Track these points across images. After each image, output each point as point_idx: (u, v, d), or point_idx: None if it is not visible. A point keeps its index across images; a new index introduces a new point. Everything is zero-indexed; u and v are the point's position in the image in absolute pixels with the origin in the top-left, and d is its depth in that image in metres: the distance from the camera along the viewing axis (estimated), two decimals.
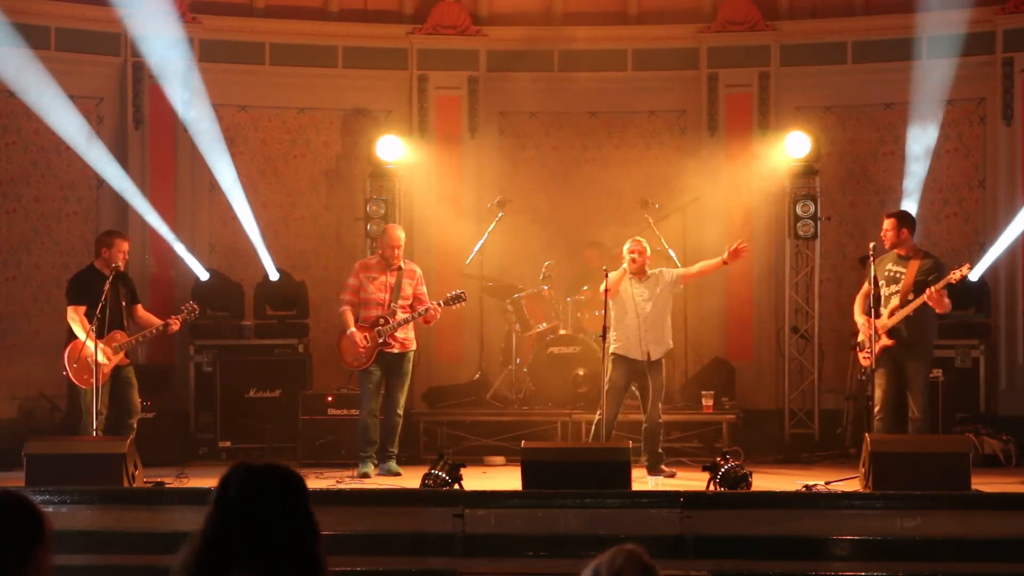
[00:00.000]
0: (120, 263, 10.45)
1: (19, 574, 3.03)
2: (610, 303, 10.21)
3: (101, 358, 10.11)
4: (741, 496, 8.99)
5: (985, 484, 9.51)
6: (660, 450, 10.52)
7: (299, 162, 13.99)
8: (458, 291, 10.99)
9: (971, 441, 10.27)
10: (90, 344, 10.05)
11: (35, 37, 12.54)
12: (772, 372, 13.31)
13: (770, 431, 12.62)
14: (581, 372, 12.10)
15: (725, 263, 10.45)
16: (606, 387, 10.34)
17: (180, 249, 12.87)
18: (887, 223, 10.30)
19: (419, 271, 11.04)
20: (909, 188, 12.62)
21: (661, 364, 10.48)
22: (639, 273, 10.36)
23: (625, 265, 10.36)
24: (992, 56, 13.14)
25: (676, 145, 13.96)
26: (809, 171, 12.67)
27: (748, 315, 13.62)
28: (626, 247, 10.47)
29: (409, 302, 10.83)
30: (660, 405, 10.50)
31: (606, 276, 10.19)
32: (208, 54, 13.42)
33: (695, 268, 10.74)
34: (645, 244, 10.53)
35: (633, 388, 10.47)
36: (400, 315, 10.76)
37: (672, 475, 10.51)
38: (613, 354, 10.36)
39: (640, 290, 10.33)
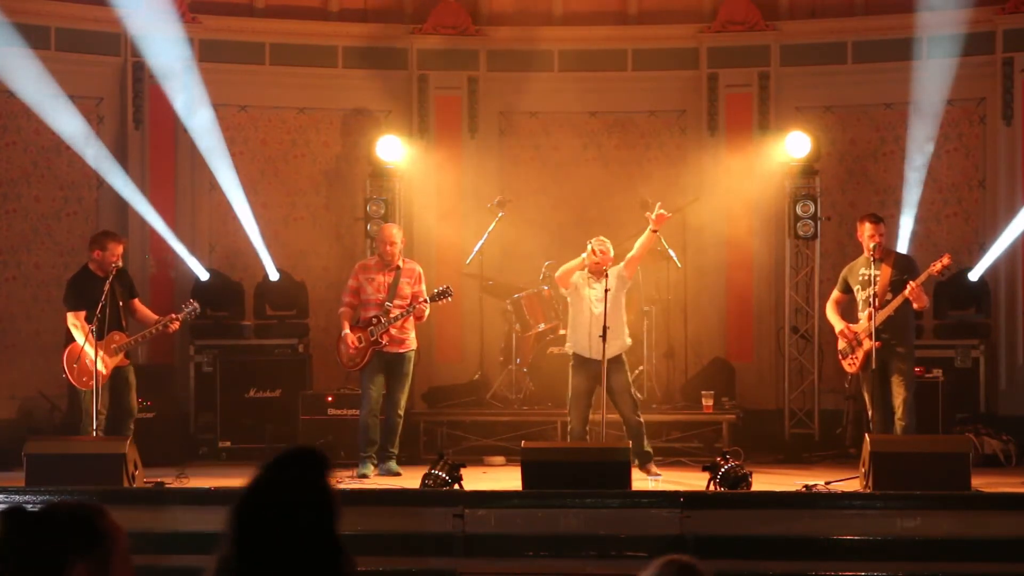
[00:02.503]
0: (115, 265, 10.35)
1: None
2: (568, 301, 10.39)
3: (100, 367, 10.04)
4: (741, 496, 8.99)
5: (985, 484, 9.52)
6: (648, 448, 10.47)
7: (299, 162, 13.98)
8: (443, 287, 10.96)
9: (971, 441, 10.27)
10: (89, 350, 10.01)
11: (35, 37, 12.53)
12: (772, 372, 13.30)
13: (770, 431, 12.62)
14: None
15: (655, 232, 10.34)
16: (569, 394, 10.36)
17: (180, 249, 12.86)
18: (879, 228, 10.20)
19: (419, 270, 11.01)
20: (908, 187, 12.62)
21: (621, 361, 10.41)
22: (597, 273, 10.33)
23: (584, 256, 10.35)
24: (992, 56, 13.13)
25: (676, 145, 13.95)
26: (809, 171, 12.67)
27: (748, 315, 13.61)
28: (590, 244, 10.42)
29: (407, 301, 10.79)
30: (634, 402, 10.45)
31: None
32: (208, 54, 13.41)
33: (632, 252, 10.49)
34: (609, 245, 10.46)
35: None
36: (393, 312, 10.73)
37: (658, 476, 10.39)
38: (572, 355, 10.37)
39: (596, 289, 10.31)
